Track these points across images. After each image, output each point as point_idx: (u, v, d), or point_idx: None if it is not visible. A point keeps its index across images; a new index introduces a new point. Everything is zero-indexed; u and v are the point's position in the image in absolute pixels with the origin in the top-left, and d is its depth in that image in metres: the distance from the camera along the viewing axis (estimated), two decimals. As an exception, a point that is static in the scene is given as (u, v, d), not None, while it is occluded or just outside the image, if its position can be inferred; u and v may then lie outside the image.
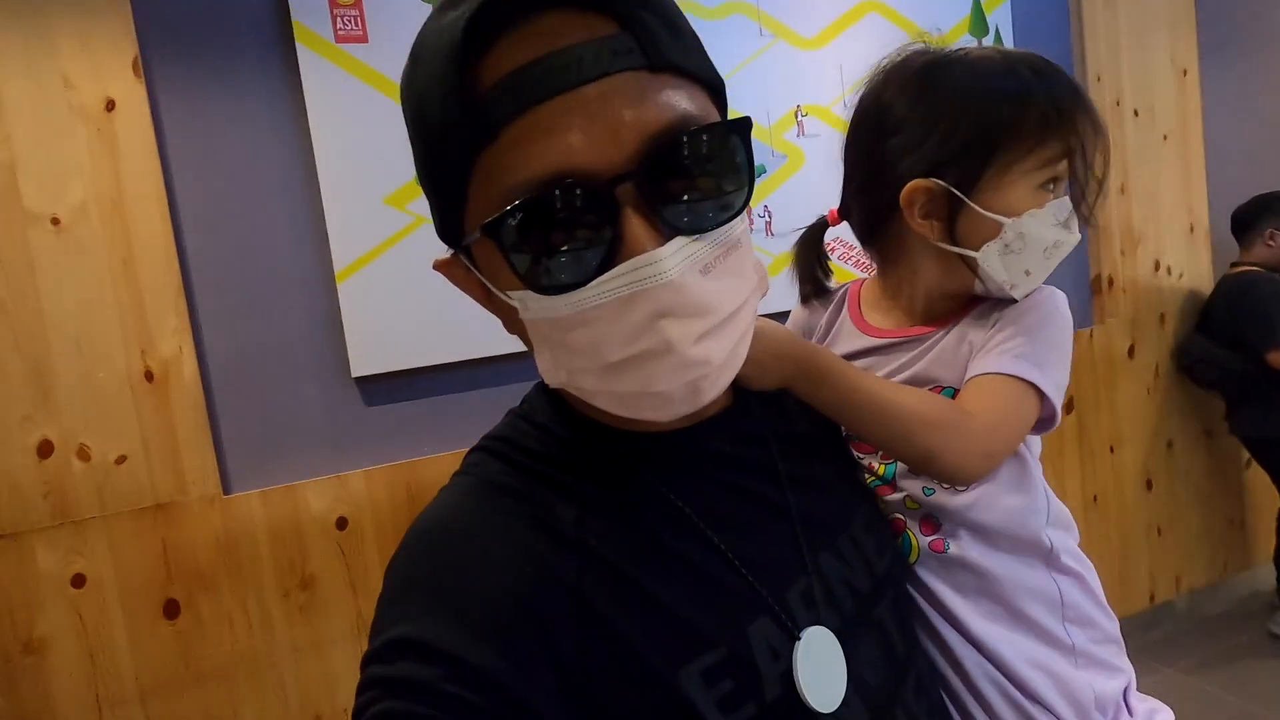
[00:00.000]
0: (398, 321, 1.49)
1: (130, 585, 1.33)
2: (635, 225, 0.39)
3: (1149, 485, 2.29)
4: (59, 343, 1.28)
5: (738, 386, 0.55)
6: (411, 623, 0.40)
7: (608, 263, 0.39)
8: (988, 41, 1.99)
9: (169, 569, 1.35)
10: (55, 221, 1.28)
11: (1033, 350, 0.61)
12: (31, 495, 1.27)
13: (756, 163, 0.45)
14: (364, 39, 1.45)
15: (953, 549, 0.62)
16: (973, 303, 0.68)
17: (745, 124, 0.42)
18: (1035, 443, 0.67)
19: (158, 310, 1.34)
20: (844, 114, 1.97)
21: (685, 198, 0.40)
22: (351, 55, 1.44)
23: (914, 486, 0.64)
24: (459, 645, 0.39)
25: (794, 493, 0.52)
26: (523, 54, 0.38)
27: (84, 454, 1.30)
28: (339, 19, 1.43)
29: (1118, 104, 2.16)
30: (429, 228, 1.63)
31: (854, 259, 1.77)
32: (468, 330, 1.52)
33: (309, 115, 1.42)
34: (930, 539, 0.63)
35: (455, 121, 0.39)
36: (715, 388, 0.43)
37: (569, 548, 0.44)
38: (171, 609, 1.35)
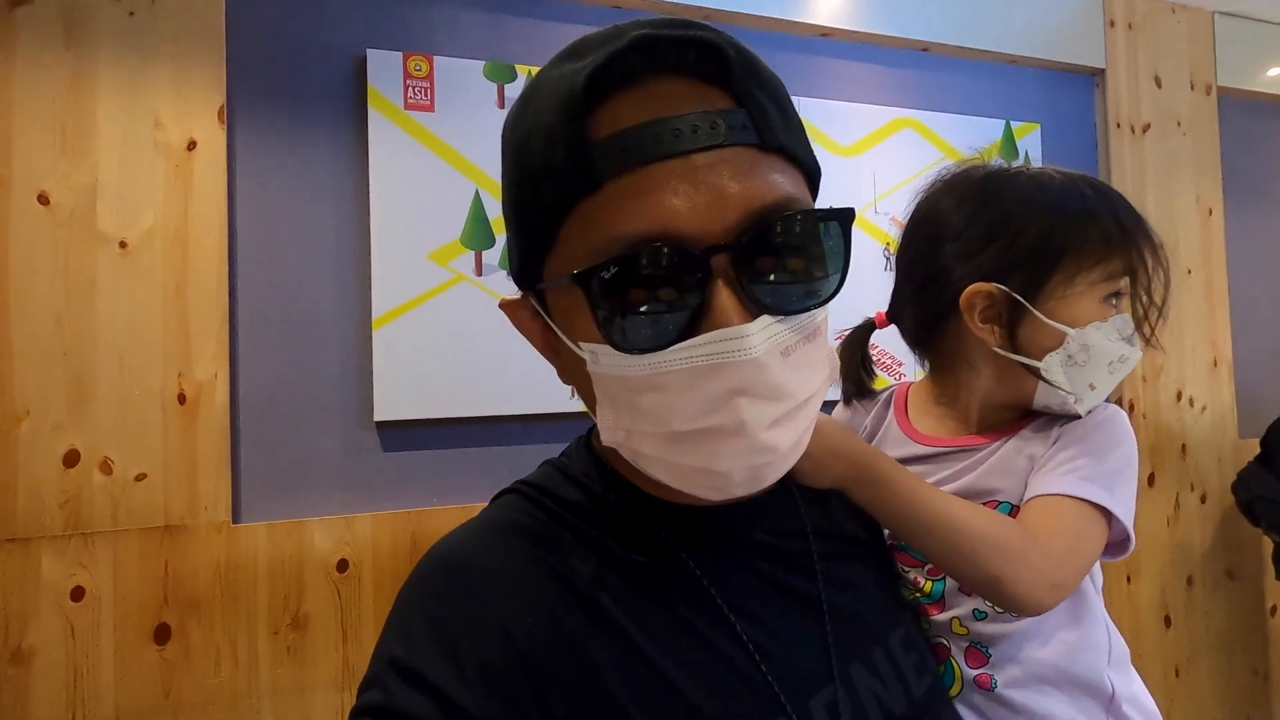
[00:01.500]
0: (426, 371, 1.53)
1: (127, 604, 1.32)
2: (725, 297, 0.38)
3: (1167, 622, 2.20)
4: (104, 357, 1.34)
5: (786, 477, 0.55)
6: (412, 651, 0.40)
7: (691, 330, 0.39)
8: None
9: (167, 592, 1.35)
10: (123, 245, 1.36)
11: (1101, 472, 0.58)
12: (49, 503, 1.30)
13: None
14: (431, 109, 1.56)
15: (1000, 685, 0.58)
16: (1029, 416, 0.65)
17: (849, 215, 0.42)
18: (1098, 572, 0.64)
19: (200, 336, 1.40)
20: (875, 219, 2.02)
21: (777, 277, 0.40)
22: (418, 122, 1.55)
23: (964, 608, 0.60)
24: (450, 684, 0.39)
25: (829, 592, 0.49)
26: (639, 114, 0.39)
27: (106, 467, 1.33)
28: (410, 89, 1.55)
29: (1142, 235, 2.22)
30: (466, 285, 1.68)
31: (884, 362, 1.80)
32: (493, 387, 1.56)
33: (370, 171, 1.52)
34: (977, 672, 0.59)
35: (561, 166, 0.40)
36: (776, 475, 0.42)
37: (581, 604, 0.43)
38: (162, 634, 1.34)
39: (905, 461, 0.67)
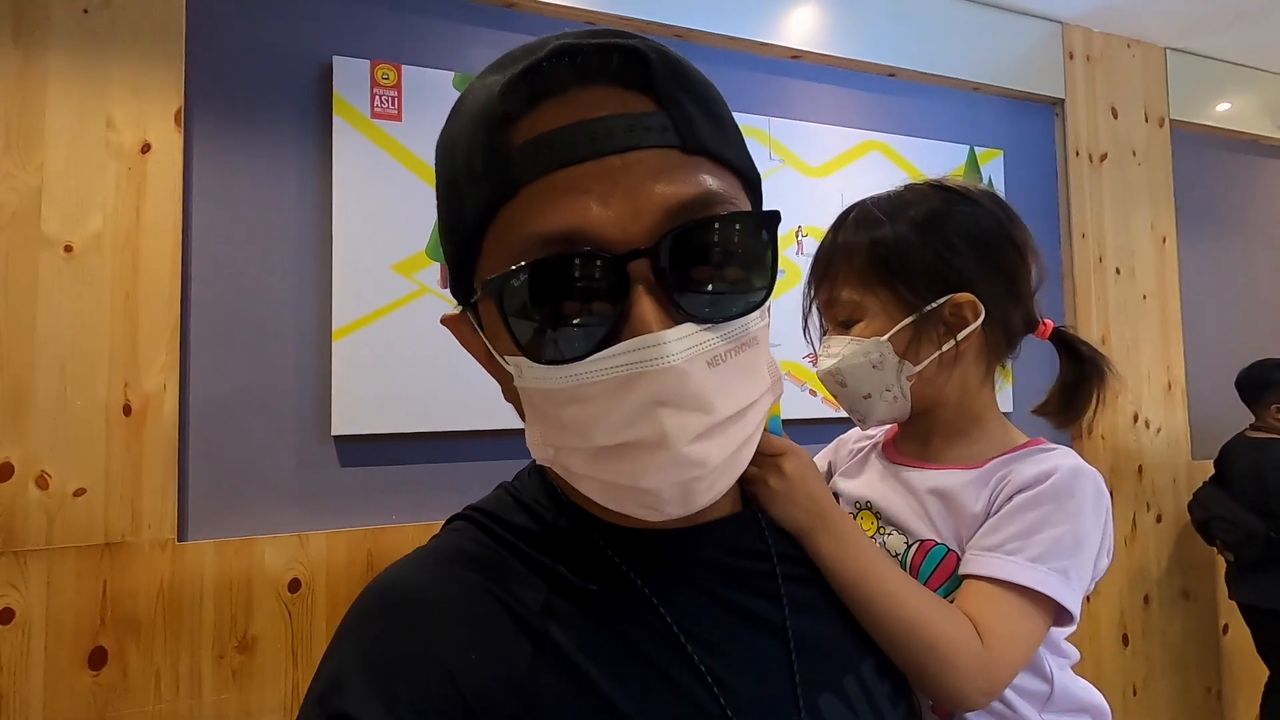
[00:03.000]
0: (386, 385, 1.49)
1: (60, 627, 1.25)
2: (644, 304, 0.37)
3: (1125, 640, 2.24)
4: (44, 366, 1.28)
5: (750, 496, 0.52)
6: (343, 690, 0.38)
7: (610, 339, 0.37)
8: (981, 190, 2.12)
9: (104, 614, 1.28)
10: (68, 249, 1.30)
11: (1057, 550, 0.56)
12: (-21, 518, 1.23)
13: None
14: (398, 118, 1.54)
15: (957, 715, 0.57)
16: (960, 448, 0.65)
17: (774, 218, 0.40)
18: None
19: (150, 346, 1.34)
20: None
21: (700, 283, 0.38)
22: (384, 131, 1.53)
23: None
24: None
25: (794, 618, 0.46)
26: (556, 120, 0.38)
27: (43, 481, 1.27)
28: (377, 97, 1.53)
29: (1100, 260, 2.28)
30: (431, 298, 1.66)
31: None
32: (453, 402, 1.53)
33: (334, 180, 1.48)
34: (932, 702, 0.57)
35: (480, 174, 0.39)
36: (710, 492, 0.40)
37: (529, 636, 0.41)
38: (98, 658, 1.27)
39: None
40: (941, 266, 0.63)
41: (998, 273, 0.64)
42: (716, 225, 0.39)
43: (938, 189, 0.67)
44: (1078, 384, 0.68)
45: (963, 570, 0.58)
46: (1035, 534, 0.56)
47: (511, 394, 0.44)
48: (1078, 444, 2.23)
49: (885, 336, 0.63)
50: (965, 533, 0.60)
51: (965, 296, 0.62)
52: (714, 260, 0.39)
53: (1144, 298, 2.35)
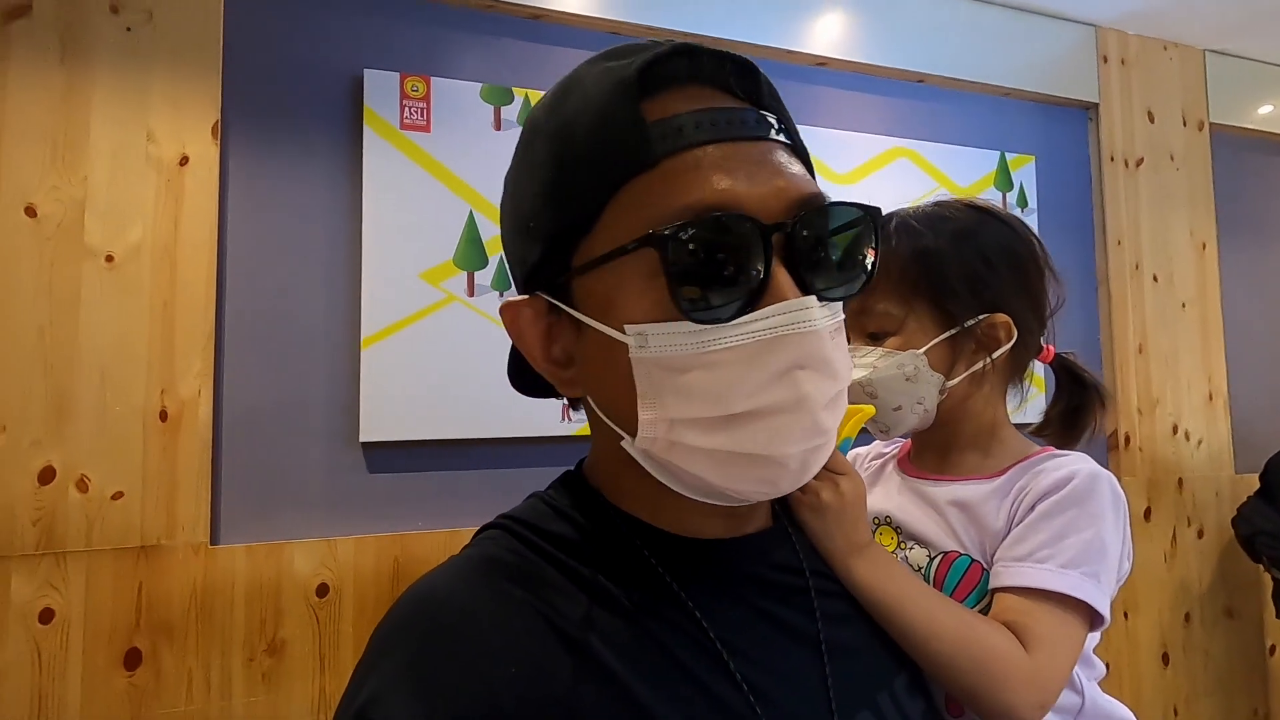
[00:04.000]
0: (414, 392, 1.51)
1: (97, 627, 1.28)
2: (782, 274, 0.40)
3: (1165, 660, 2.17)
4: (86, 372, 1.31)
5: (778, 512, 0.52)
6: (383, 701, 0.38)
7: (749, 306, 0.39)
8: (1012, 196, 2.09)
9: (140, 615, 1.31)
10: (109, 259, 1.34)
11: (1086, 556, 0.56)
12: (22, 520, 1.26)
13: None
14: (427, 129, 1.56)
15: None
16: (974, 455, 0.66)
17: (879, 213, 0.44)
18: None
19: (186, 353, 1.37)
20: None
21: (822, 262, 0.42)
22: (413, 141, 1.55)
23: None
24: None
25: (828, 631, 0.47)
26: (688, 106, 0.41)
27: (83, 485, 1.30)
28: (407, 109, 1.55)
29: (1137, 267, 2.22)
30: (458, 306, 1.67)
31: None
32: (480, 409, 1.54)
33: (364, 190, 1.51)
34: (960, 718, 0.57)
35: (612, 146, 0.40)
36: (821, 463, 0.43)
37: (569, 648, 0.40)
38: (133, 659, 1.30)
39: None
40: (980, 284, 0.64)
41: (1027, 294, 0.66)
42: (837, 212, 0.42)
43: (971, 208, 0.68)
44: (1079, 409, 0.70)
45: (994, 584, 0.58)
46: (1062, 540, 0.56)
47: (595, 378, 0.44)
48: (1114, 455, 2.17)
49: (922, 350, 0.63)
50: (989, 543, 0.60)
51: (1002, 317, 0.64)
52: (833, 244, 0.42)
53: (1183, 305, 2.28)
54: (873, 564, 0.52)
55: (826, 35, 1.92)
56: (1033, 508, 0.58)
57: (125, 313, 1.34)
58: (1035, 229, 2.09)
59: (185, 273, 1.39)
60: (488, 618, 0.41)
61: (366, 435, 1.48)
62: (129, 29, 1.38)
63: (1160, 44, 2.32)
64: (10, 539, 1.26)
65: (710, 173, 0.39)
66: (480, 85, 1.60)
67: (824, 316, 0.40)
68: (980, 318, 0.63)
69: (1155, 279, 2.25)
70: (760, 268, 0.39)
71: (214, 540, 1.38)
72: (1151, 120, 2.29)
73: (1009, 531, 0.59)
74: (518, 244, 0.46)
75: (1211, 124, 2.38)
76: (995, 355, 0.63)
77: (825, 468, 0.51)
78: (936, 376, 0.63)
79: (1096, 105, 2.23)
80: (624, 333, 0.41)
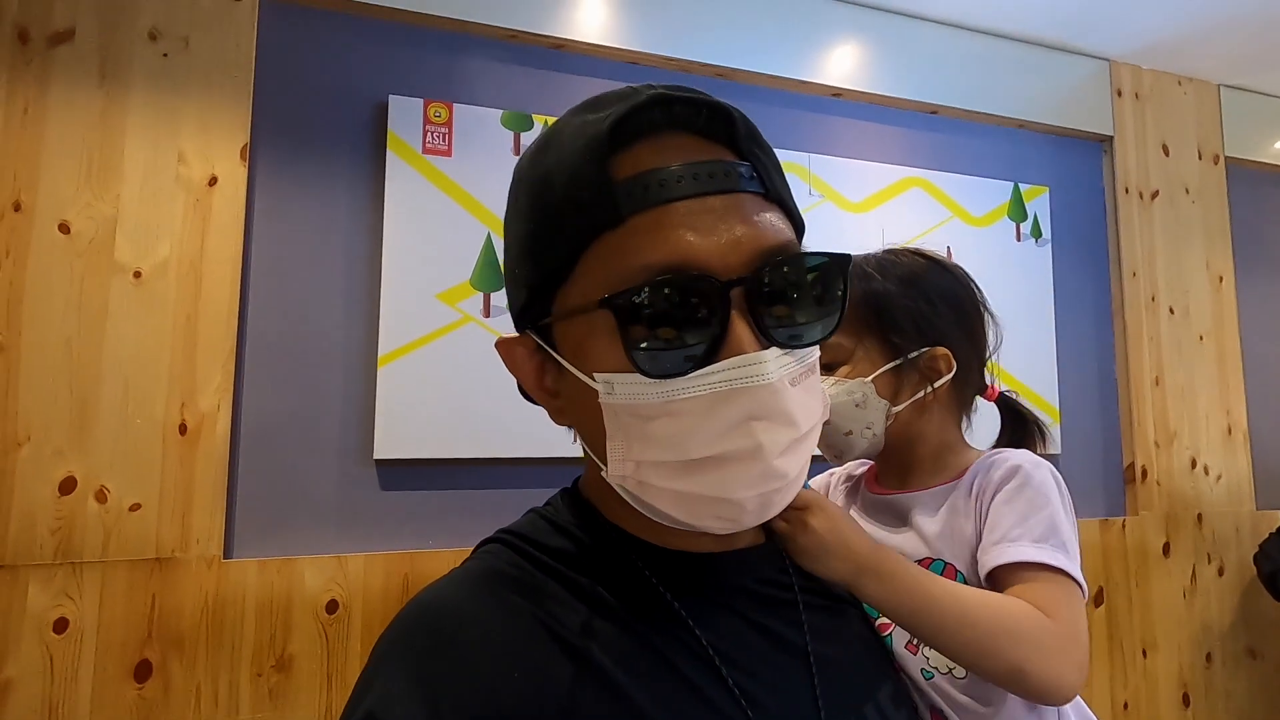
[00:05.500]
0: (428, 411, 1.52)
1: (109, 639, 1.29)
2: (742, 327, 0.41)
3: (1185, 700, 2.11)
4: (109, 384, 1.34)
5: (772, 533, 0.54)
6: (390, 707, 0.39)
7: (708, 358, 0.41)
8: (1026, 226, 2.09)
9: (151, 628, 1.32)
10: (137, 275, 1.38)
11: (1051, 530, 0.60)
12: (41, 530, 1.28)
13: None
14: (448, 154, 1.60)
15: None
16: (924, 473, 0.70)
17: (847, 260, 0.45)
18: None
19: (207, 367, 1.40)
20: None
21: (784, 313, 0.43)
22: (434, 166, 1.59)
23: (913, 667, 0.61)
24: None
25: (815, 644, 0.49)
26: (660, 159, 0.42)
27: (102, 496, 1.32)
28: (429, 133, 1.59)
29: (1153, 299, 2.21)
30: (474, 326, 1.69)
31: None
32: (493, 428, 1.55)
33: (385, 211, 1.54)
34: None
35: (584, 201, 0.42)
36: (783, 502, 0.44)
37: (570, 656, 0.42)
38: (143, 671, 1.31)
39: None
40: (923, 321, 0.70)
41: (968, 334, 0.72)
42: (801, 263, 0.44)
43: (918, 255, 0.75)
44: (1019, 442, 0.75)
45: (981, 570, 0.60)
46: (1027, 520, 0.60)
47: (574, 414, 0.47)
48: (1130, 489, 2.15)
49: (870, 378, 0.68)
50: (962, 543, 0.63)
51: (942, 350, 0.69)
52: (795, 294, 0.43)
53: (1200, 338, 2.27)
54: (879, 580, 0.54)
55: (841, 66, 1.95)
56: (993, 499, 0.63)
57: (150, 328, 1.38)
58: (1050, 259, 2.11)
59: (209, 289, 1.42)
60: (490, 625, 0.42)
61: (380, 453, 1.49)
62: (165, 55, 1.44)
63: (1174, 78, 2.34)
64: (29, 548, 1.28)
65: (673, 231, 0.41)
66: (501, 112, 1.64)
67: (783, 367, 0.42)
68: (922, 350, 0.69)
69: (1171, 311, 2.24)
70: (718, 322, 0.40)
71: (227, 554, 1.39)
72: (1166, 153, 2.30)
73: (979, 526, 0.63)
74: (509, 286, 0.49)
75: (1227, 158, 2.38)
76: (937, 385, 0.69)
77: (791, 507, 0.52)
78: (883, 403, 0.69)
79: (1111, 138, 2.24)
80: (594, 380, 0.43)
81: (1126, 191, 2.23)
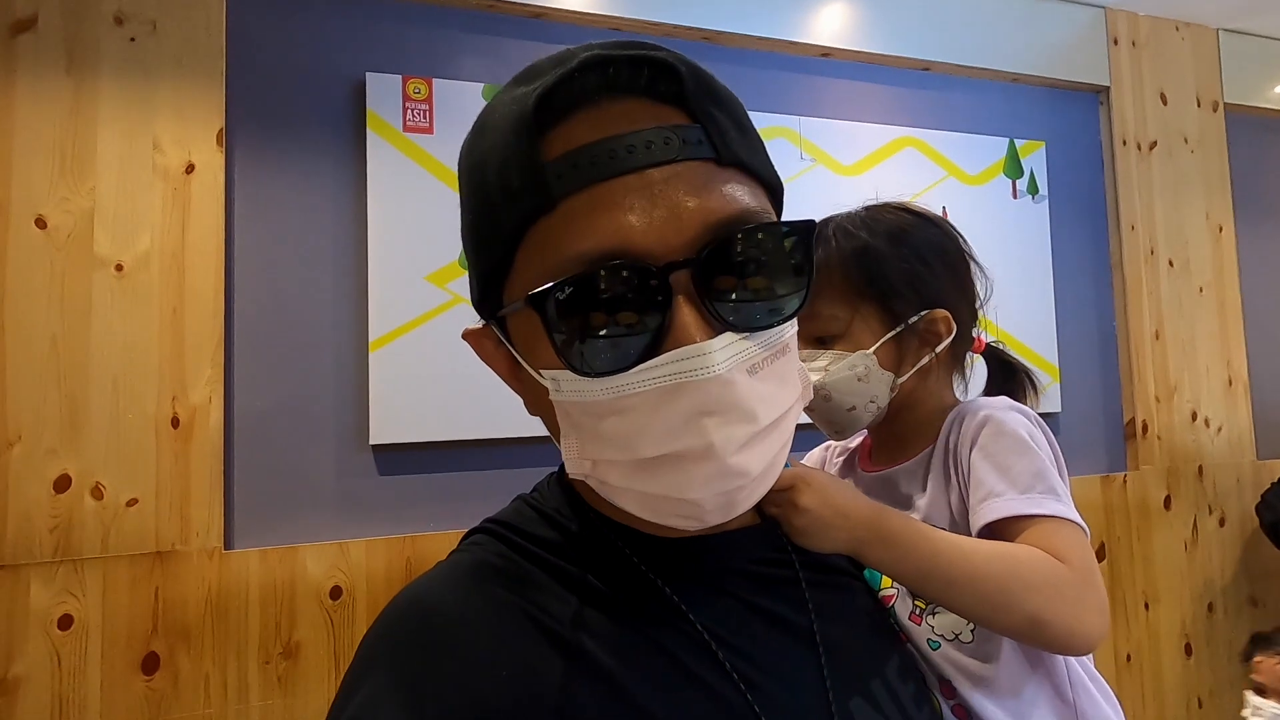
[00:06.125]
0: (423, 394, 1.51)
1: (115, 633, 1.30)
2: (686, 314, 0.37)
3: (1188, 650, 2.13)
4: (98, 381, 1.33)
5: (775, 521, 0.52)
6: (374, 709, 0.38)
7: (653, 350, 0.37)
8: (1022, 183, 2.06)
9: (156, 620, 1.32)
10: (119, 268, 1.36)
11: (1036, 478, 0.58)
12: (39, 528, 1.28)
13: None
14: (430, 130, 1.56)
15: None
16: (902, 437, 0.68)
17: (809, 227, 0.41)
18: None
19: (196, 359, 1.38)
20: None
21: (739, 293, 0.39)
22: (416, 144, 1.55)
23: (920, 637, 0.58)
24: None
25: (820, 623, 0.47)
26: (591, 133, 0.38)
27: (98, 492, 1.31)
28: (409, 111, 1.55)
29: (1152, 253, 2.19)
30: (465, 307, 1.67)
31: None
32: (489, 409, 1.54)
33: (368, 193, 1.51)
34: (953, 702, 0.57)
35: (514, 188, 0.39)
36: (750, 500, 0.41)
37: (559, 649, 0.40)
38: (150, 663, 1.31)
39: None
40: (919, 282, 0.66)
41: (961, 290, 0.69)
42: (756, 236, 0.39)
43: (901, 210, 0.70)
44: (1009, 394, 0.71)
45: (974, 529, 0.58)
46: (1010, 470, 0.58)
47: (539, 408, 0.45)
48: (1131, 444, 2.14)
49: (871, 350, 0.65)
50: (948, 505, 0.62)
51: (941, 312, 0.66)
52: (752, 271, 0.39)
53: (1200, 290, 2.25)
54: (882, 545, 0.52)
55: (830, 26, 1.90)
56: (969, 456, 0.61)
57: (136, 321, 1.36)
58: (1047, 216, 2.08)
59: (194, 280, 1.40)
60: (477, 623, 0.41)
61: (376, 438, 1.48)
62: (133, 40, 1.39)
63: (1172, 24, 2.28)
64: (29, 547, 1.27)
65: (606, 213, 0.37)
66: (482, 85, 1.60)
67: (735, 355, 0.38)
68: (921, 314, 0.66)
69: (1171, 264, 2.21)
70: (658, 311, 0.37)
71: (228, 545, 1.39)
72: (1164, 102, 2.25)
73: (962, 486, 0.61)
74: (469, 275, 0.47)
75: (1226, 104, 2.34)
76: (939, 349, 0.66)
77: (775, 489, 0.49)
78: (887, 375, 0.65)
79: (1107, 89, 2.19)
80: (542, 376, 0.41)
81: (1124, 143, 2.19)
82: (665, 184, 0.38)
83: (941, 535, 0.54)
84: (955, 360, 0.71)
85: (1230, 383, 2.27)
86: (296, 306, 1.48)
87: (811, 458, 0.80)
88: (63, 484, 1.30)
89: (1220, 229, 2.30)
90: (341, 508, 1.47)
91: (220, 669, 1.35)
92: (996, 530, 0.57)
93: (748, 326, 0.39)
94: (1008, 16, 2.08)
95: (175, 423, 1.36)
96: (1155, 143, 2.23)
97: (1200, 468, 2.20)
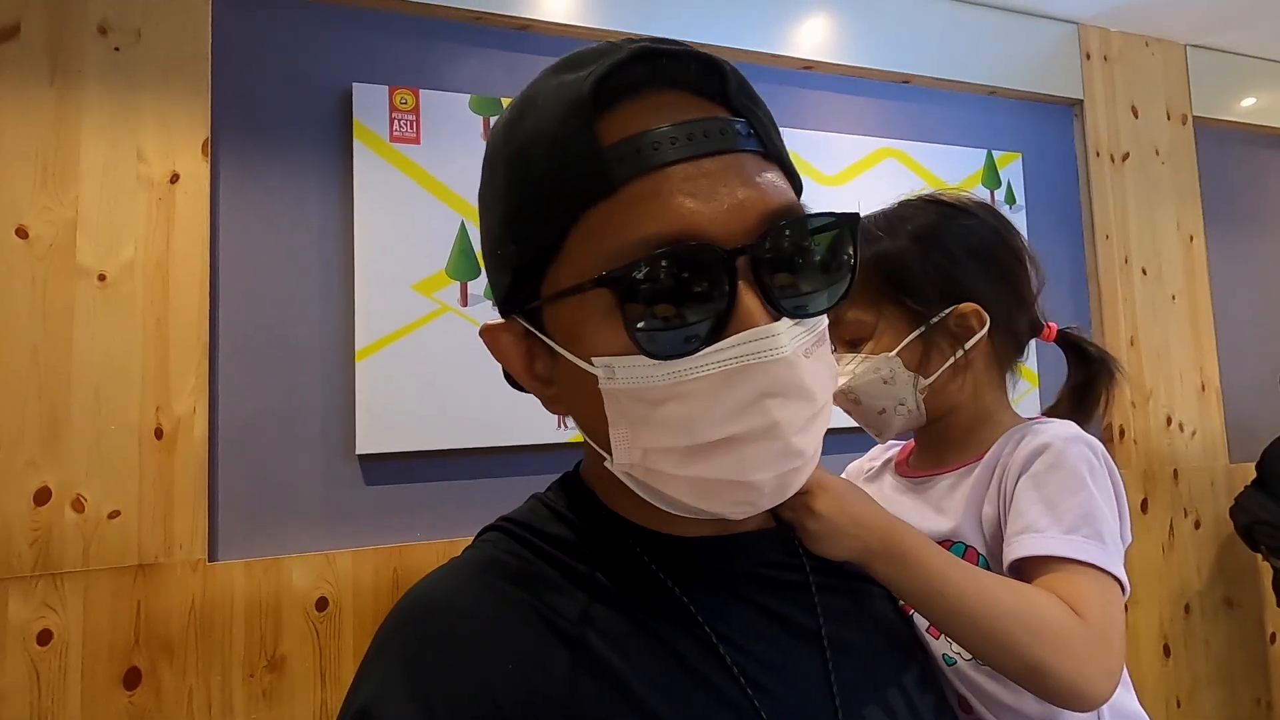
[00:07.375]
0: (409, 403, 1.51)
1: (96, 647, 1.28)
2: (750, 298, 0.38)
3: (1166, 651, 2.17)
4: (80, 392, 1.31)
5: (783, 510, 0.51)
6: (384, 703, 0.38)
7: (716, 334, 0.38)
8: (1000, 194, 2.10)
9: (138, 634, 1.30)
10: (102, 278, 1.34)
11: (1084, 519, 0.54)
12: (19, 542, 1.26)
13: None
14: (416, 141, 1.57)
15: None
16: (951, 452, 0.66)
17: (855, 219, 0.42)
18: None
19: (180, 370, 1.37)
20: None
21: (792, 281, 0.40)
22: (402, 154, 1.56)
23: (936, 651, 0.57)
24: None
25: (830, 627, 0.46)
26: (648, 120, 0.39)
27: (79, 505, 1.30)
28: (396, 121, 1.56)
29: (1126, 261, 2.24)
30: (451, 316, 1.67)
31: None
32: (475, 419, 1.54)
33: (355, 203, 1.51)
34: (970, 719, 0.56)
35: (570, 172, 0.39)
36: (800, 482, 0.42)
37: (566, 645, 0.41)
38: (132, 678, 1.29)
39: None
40: (943, 278, 0.64)
41: (999, 280, 0.66)
42: (807, 226, 0.40)
43: (932, 203, 0.68)
44: (1087, 384, 0.69)
45: (1006, 561, 0.56)
46: (1056, 507, 0.55)
47: (570, 401, 0.44)
48: (1109, 448, 2.18)
49: (894, 352, 0.64)
50: (983, 526, 0.60)
51: (969, 306, 0.64)
52: (803, 259, 0.40)
53: (1173, 298, 2.30)
54: (890, 561, 0.50)
55: (812, 39, 1.93)
56: (1017, 482, 0.58)
57: (118, 331, 1.34)
58: (1024, 226, 2.12)
59: (178, 290, 1.39)
60: (485, 618, 0.42)
61: (363, 448, 1.48)
62: (117, 49, 1.39)
63: (1142, 40, 2.35)
64: (7, 560, 1.25)
65: (670, 198, 0.38)
66: (469, 96, 1.61)
67: (795, 338, 0.39)
68: (947, 310, 0.64)
69: (1144, 272, 2.26)
70: (724, 295, 0.38)
71: (212, 557, 1.38)
72: (1136, 115, 2.31)
73: (1001, 510, 0.58)
74: (491, 269, 0.46)
75: (1195, 118, 2.40)
76: (969, 345, 0.63)
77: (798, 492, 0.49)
78: (913, 376, 0.64)
79: (1081, 102, 2.25)
80: (592, 364, 0.40)
81: (1098, 155, 2.24)
82: (723, 173, 0.39)
83: (955, 562, 0.51)
84: (998, 359, 0.67)
85: (1203, 388, 2.33)
86: (282, 316, 1.47)
87: (850, 470, 0.77)
88: (43, 496, 1.28)
89: (1191, 238, 2.36)
90: (327, 518, 1.46)
91: (204, 683, 1.33)
92: (1028, 566, 0.54)
93: (802, 313, 0.40)
94: (985, 32, 2.13)
95: (159, 433, 1.35)
96: (1128, 154, 2.28)
97: (1175, 471, 2.25)
